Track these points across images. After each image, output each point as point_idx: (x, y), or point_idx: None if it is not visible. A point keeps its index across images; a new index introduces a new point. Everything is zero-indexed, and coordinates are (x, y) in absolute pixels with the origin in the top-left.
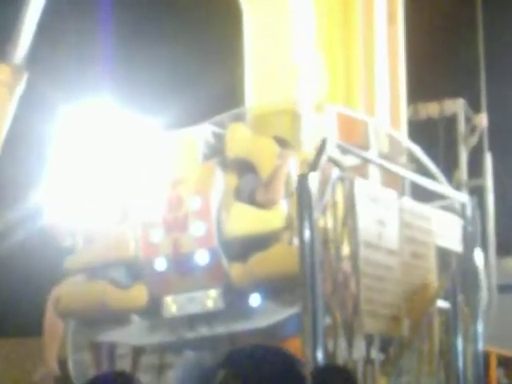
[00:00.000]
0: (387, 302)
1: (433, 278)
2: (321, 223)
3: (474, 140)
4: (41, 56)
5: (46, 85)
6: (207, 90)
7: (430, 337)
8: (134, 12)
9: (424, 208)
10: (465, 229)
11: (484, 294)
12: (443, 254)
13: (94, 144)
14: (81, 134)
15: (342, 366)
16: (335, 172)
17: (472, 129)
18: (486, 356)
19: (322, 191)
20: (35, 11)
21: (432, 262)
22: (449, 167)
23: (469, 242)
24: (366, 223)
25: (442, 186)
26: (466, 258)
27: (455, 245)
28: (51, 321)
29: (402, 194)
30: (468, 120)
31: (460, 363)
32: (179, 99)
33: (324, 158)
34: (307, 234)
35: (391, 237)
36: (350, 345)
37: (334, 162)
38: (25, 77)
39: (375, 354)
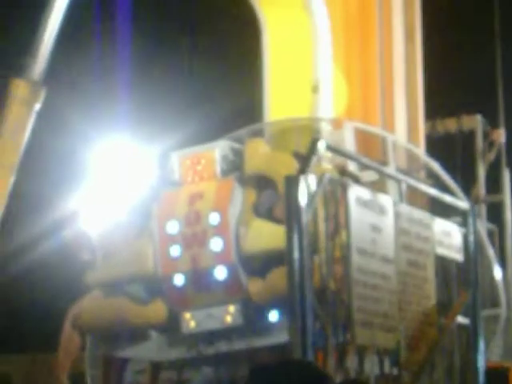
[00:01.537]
0: (382, 313)
1: (431, 288)
2: (311, 228)
3: (492, 156)
4: (59, 72)
5: (64, 100)
6: (226, 106)
7: (450, 353)
8: (153, 26)
9: (423, 214)
10: (466, 237)
11: (503, 310)
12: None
13: (114, 162)
14: (102, 153)
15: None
16: (327, 175)
17: (490, 144)
18: (506, 371)
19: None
20: (53, 27)
21: (430, 271)
22: (467, 183)
23: (470, 250)
24: (359, 228)
25: (443, 194)
26: (467, 267)
27: (455, 254)
28: (67, 337)
29: (400, 200)
30: (486, 136)
31: (481, 379)
32: (198, 114)
33: (314, 160)
34: (295, 238)
35: (386, 244)
36: (361, 359)
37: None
38: (43, 93)
39: (388, 369)
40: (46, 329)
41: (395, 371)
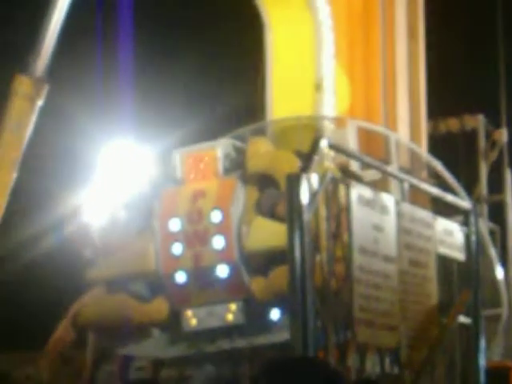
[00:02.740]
0: (383, 311)
1: (433, 287)
2: (312, 226)
3: (494, 155)
4: (61, 68)
5: (67, 96)
6: (229, 104)
7: (451, 352)
8: (155, 26)
9: (425, 214)
10: (468, 237)
11: (505, 309)
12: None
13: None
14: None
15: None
16: (329, 174)
17: (492, 144)
18: (507, 370)
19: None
20: (57, 24)
21: (432, 270)
22: (469, 182)
23: (472, 250)
24: (361, 228)
25: (444, 193)
26: (469, 266)
27: (457, 253)
28: (61, 331)
29: (402, 199)
30: (488, 135)
31: (481, 379)
32: (200, 113)
33: (317, 159)
34: (297, 236)
35: (388, 243)
36: (362, 359)
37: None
38: (46, 89)
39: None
40: (47, 326)
41: (396, 370)
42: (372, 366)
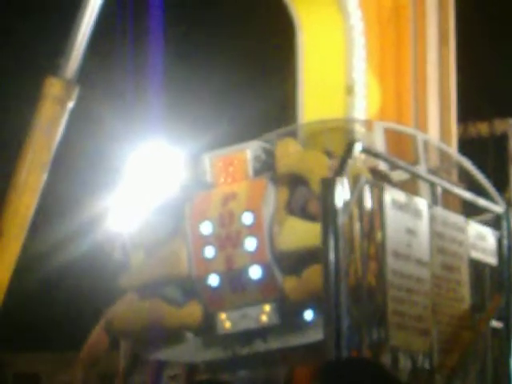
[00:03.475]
0: (416, 315)
1: (465, 292)
2: (346, 229)
3: None
4: (91, 70)
5: (98, 99)
6: (259, 107)
7: (483, 357)
8: (186, 28)
9: (457, 218)
10: (500, 241)
11: None
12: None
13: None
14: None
15: None
16: (363, 177)
17: None
18: None
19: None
20: (88, 26)
21: (465, 275)
22: (499, 186)
23: (504, 254)
24: (394, 231)
25: (477, 198)
26: (501, 270)
27: (489, 257)
28: (95, 337)
29: (434, 203)
30: None
31: None
32: (230, 116)
33: (351, 163)
34: (331, 239)
35: (421, 247)
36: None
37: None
38: (77, 91)
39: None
40: (76, 328)
41: (428, 374)
42: (404, 367)
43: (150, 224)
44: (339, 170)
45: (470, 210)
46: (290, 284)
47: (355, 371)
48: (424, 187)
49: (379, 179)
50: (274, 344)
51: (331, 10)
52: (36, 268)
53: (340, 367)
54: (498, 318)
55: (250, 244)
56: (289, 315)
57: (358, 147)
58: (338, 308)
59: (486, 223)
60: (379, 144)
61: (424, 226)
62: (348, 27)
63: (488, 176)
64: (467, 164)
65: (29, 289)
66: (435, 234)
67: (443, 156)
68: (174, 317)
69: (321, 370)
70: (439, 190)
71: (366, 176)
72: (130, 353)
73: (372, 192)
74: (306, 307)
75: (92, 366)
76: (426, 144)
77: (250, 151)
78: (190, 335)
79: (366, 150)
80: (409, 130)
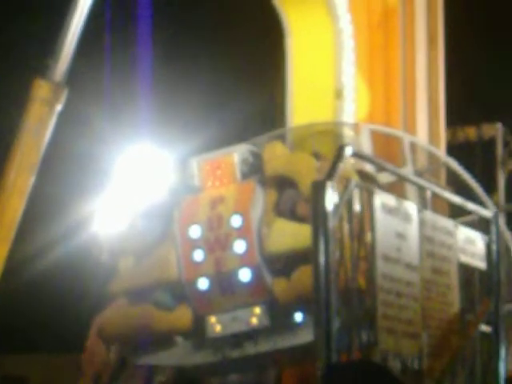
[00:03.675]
0: (405, 319)
1: (454, 296)
2: (337, 233)
3: None
4: (79, 72)
5: (85, 101)
6: (247, 110)
7: (472, 361)
8: (174, 31)
9: (446, 222)
10: (489, 245)
11: None
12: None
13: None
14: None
15: None
16: (353, 181)
17: (510, 153)
18: None
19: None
20: (76, 29)
21: (454, 279)
22: (486, 191)
23: (493, 259)
24: (384, 235)
25: (466, 202)
26: (490, 275)
27: (478, 261)
28: (92, 348)
29: (423, 206)
30: (506, 144)
31: None
32: (218, 119)
33: (341, 166)
34: (321, 243)
35: (411, 251)
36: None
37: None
38: (65, 93)
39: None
40: (64, 330)
41: (417, 377)
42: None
43: (138, 228)
44: (330, 174)
45: (458, 211)
46: (279, 286)
47: (359, 374)
48: (411, 189)
49: (366, 181)
50: (265, 346)
51: (320, 13)
52: (24, 270)
53: (343, 370)
54: (487, 323)
55: (239, 246)
56: (279, 317)
57: (348, 151)
58: (328, 310)
59: (474, 225)
60: (366, 146)
61: (414, 230)
62: (337, 30)
63: (476, 181)
64: (455, 165)
65: (16, 291)
66: (425, 238)
67: (431, 158)
68: (163, 321)
69: (324, 374)
70: (429, 193)
71: (355, 180)
72: (118, 356)
73: (361, 195)
74: (295, 309)
75: (95, 379)
76: (412, 146)
77: (237, 154)
78: (179, 339)
79: (357, 154)
80: (395, 131)
